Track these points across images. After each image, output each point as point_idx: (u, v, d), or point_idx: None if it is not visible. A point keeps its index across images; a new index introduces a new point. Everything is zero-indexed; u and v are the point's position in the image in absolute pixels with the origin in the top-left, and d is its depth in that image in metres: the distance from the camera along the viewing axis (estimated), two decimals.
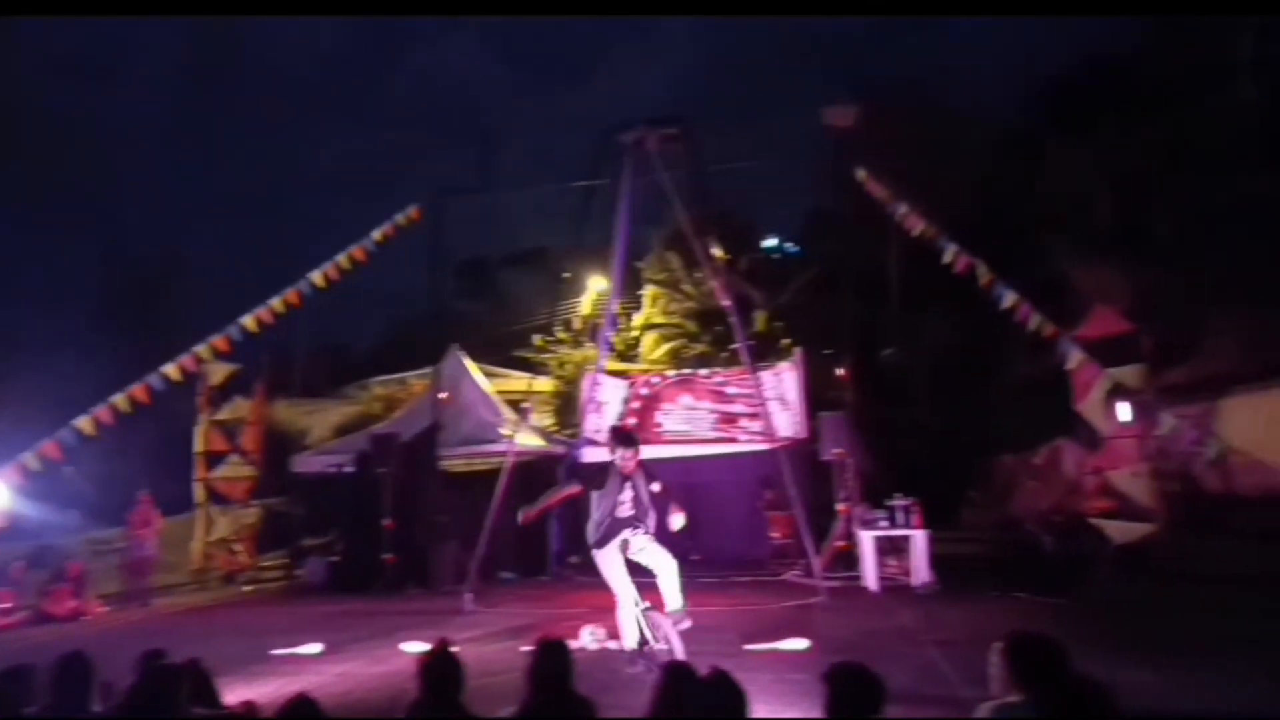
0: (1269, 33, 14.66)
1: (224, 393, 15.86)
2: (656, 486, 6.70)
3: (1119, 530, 12.21)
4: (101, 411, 10.84)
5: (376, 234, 12.85)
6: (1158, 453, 12.84)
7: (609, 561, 6.57)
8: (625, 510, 6.57)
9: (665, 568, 6.58)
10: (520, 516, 7.14)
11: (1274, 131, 14.44)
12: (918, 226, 11.71)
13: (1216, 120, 15.28)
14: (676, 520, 6.69)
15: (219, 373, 15.43)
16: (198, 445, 15.60)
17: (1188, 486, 13.10)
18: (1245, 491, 12.28)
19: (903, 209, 11.88)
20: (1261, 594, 8.68)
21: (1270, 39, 14.65)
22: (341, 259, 12.51)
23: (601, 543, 6.57)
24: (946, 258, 11.19)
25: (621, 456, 6.64)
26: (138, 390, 11.07)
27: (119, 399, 10.95)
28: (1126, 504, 13.08)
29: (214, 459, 15.69)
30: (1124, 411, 11.58)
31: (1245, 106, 15.09)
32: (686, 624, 6.40)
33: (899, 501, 10.74)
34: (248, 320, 11.91)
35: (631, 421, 15.75)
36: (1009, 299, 10.64)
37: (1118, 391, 11.13)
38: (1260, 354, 12.09)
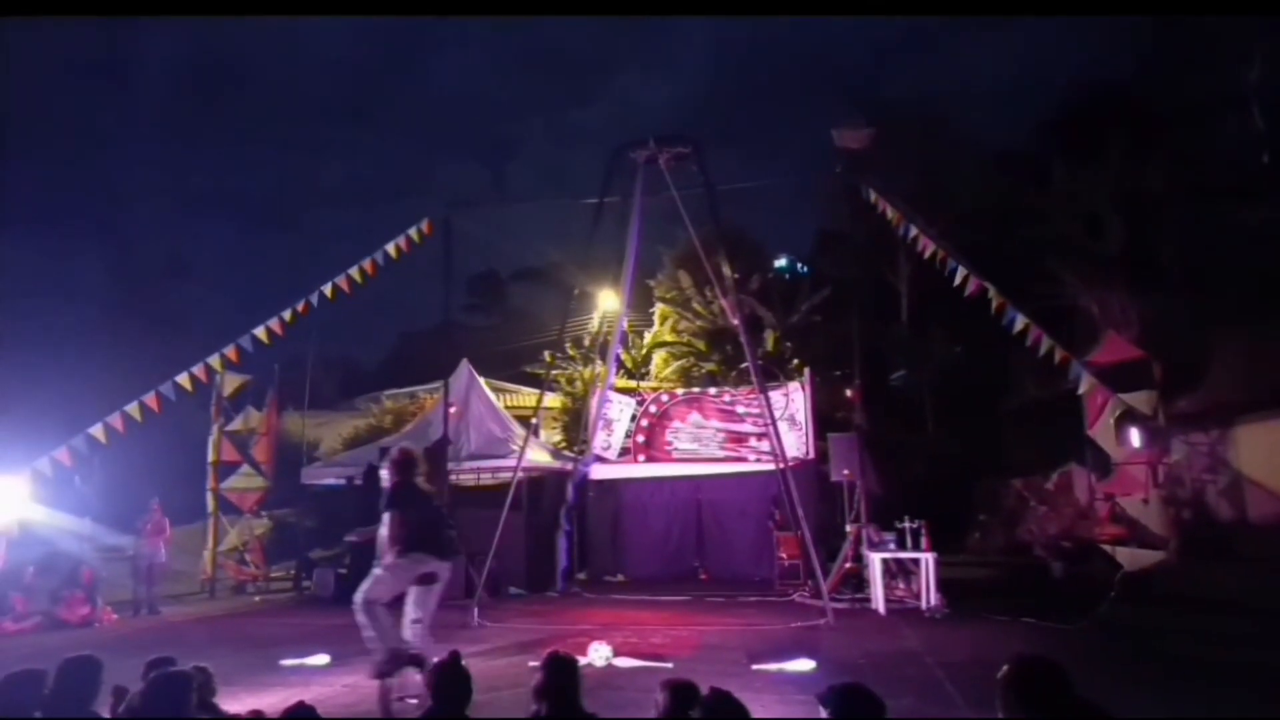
0: (1278, 62, 14.65)
1: (236, 403, 15.97)
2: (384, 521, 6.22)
3: (1129, 557, 12.14)
4: (114, 419, 10.93)
5: (390, 247, 12.91)
6: (1169, 480, 12.77)
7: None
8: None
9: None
10: (355, 535, 6.50)
11: None
12: (928, 248, 11.73)
13: (1225, 148, 15.28)
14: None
15: (231, 383, 15.55)
16: (210, 455, 15.70)
17: (1199, 514, 13.02)
18: (1256, 519, 12.21)
19: (913, 231, 11.90)
20: (1271, 622, 8.62)
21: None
22: (353, 271, 12.57)
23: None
24: (957, 280, 11.18)
25: (391, 481, 6.27)
26: (150, 399, 11.15)
27: (132, 407, 11.03)
28: (1137, 531, 13.01)
29: (225, 469, 15.78)
30: (1136, 438, 11.50)
31: (1254, 135, 15.08)
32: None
33: (907, 524, 10.67)
34: (259, 331, 12.00)
35: (640, 439, 15.78)
36: (1020, 323, 10.60)
37: (1129, 417, 11.06)
38: (1268, 382, 12.03)
